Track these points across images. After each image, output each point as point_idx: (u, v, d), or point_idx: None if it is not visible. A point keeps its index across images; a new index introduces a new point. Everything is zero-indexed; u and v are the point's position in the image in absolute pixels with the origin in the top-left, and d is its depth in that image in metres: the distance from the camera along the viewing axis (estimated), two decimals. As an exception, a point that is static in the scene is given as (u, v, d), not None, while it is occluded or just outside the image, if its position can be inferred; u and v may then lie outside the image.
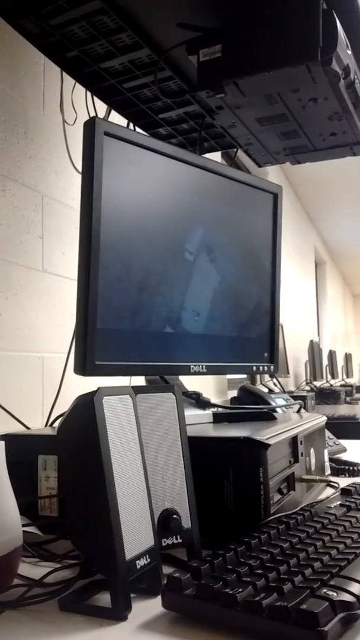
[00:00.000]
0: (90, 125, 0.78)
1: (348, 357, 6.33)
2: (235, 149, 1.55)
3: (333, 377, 5.05)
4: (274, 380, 2.86)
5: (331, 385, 4.60)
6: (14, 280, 1.32)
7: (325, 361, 4.94)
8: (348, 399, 4.21)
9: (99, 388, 0.53)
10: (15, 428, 1.09)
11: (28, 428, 1.05)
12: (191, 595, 0.48)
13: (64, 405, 1.10)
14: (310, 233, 5.77)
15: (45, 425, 1.14)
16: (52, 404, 1.19)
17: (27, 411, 1.30)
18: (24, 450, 0.80)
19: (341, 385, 4.81)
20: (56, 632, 0.48)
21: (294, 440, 0.83)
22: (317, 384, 4.24)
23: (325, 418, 1.06)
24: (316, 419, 0.99)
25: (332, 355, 5.13)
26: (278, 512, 0.71)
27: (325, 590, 0.47)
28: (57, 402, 1.22)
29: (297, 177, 4.48)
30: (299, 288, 4.96)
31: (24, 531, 0.68)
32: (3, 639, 0.47)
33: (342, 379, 5.73)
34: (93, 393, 0.53)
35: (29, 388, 1.35)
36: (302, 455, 0.86)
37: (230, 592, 0.46)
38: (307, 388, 3.97)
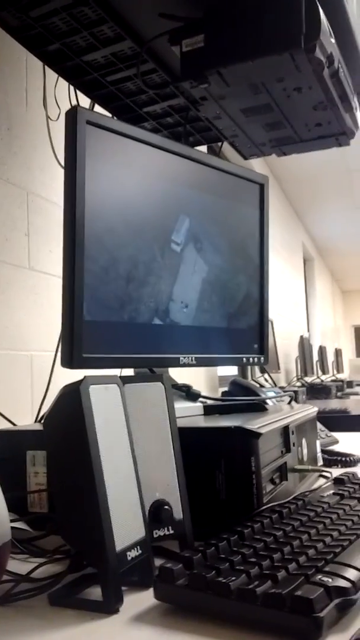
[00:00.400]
0: (72, 115, 0.77)
1: (338, 353, 6.35)
2: (220, 143, 1.54)
3: (324, 372, 5.06)
4: (265, 375, 2.85)
5: (322, 380, 4.61)
6: (1, 278, 1.30)
7: (315, 357, 4.95)
8: (339, 393, 4.22)
9: (85, 377, 0.52)
10: (4, 427, 1.08)
11: (15, 425, 1.04)
12: (183, 585, 0.47)
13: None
14: (298, 229, 5.78)
15: (35, 422, 1.13)
16: (41, 401, 1.18)
17: (17, 410, 1.29)
18: (12, 446, 0.78)
19: (332, 381, 4.83)
20: (47, 627, 0.47)
21: (285, 430, 0.83)
22: (308, 379, 4.24)
23: (316, 409, 1.05)
24: (307, 410, 0.99)
25: (322, 350, 5.15)
26: (271, 501, 0.70)
27: (320, 576, 0.46)
28: (46, 400, 1.20)
29: (283, 174, 4.48)
30: (288, 284, 4.97)
31: (12, 527, 0.66)
32: (-9, 635, 0.46)
33: (333, 374, 5.74)
34: (79, 382, 0.52)
35: (18, 387, 1.33)
36: (294, 446, 0.85)
37: (224, 580, 0.45)
38: (298, 384, 3.98)
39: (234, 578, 0.46)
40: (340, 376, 5.87)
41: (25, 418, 1.32)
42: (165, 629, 0.45)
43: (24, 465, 0.77)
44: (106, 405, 0.54)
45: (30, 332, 1.39)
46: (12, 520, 0.66)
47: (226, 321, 0.98)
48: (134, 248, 0.83)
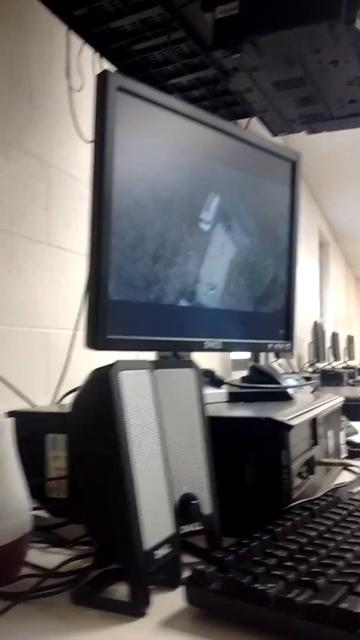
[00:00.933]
0: (103, 79, 0.72)
1: (350, 340, 6.28)
2: (247, 119, 1.48)
3: (336, 359, 5.01)
4: (279, 360, 2.82)
5: (334, 367, 4.56)
6: (18, 253, 1.26)
7: (328, 343, 4.89)
8: (351, 381, 4.18)
9: (116, 361, 0.48)
10: (20, 405, 1.05)
11: (34, 405, 1.01)
12: (217, 590, 0.44)
13: (71, 382, 1.06)
14: (315, 214, 5.69)
15: (53, 403, 1.10)
16: (59, 381, 1.15)
17: (33, 388, 1.26)
18: (31, 428, 0.75)
19: (344, 367, 4.78)
20: (69, 629, 0.44)
21: (313, 422, 0.79)
22: (320, 365, 4.20)
23: (342, 399, 1.01)
24: (333, 400, 0.95)
25: (335, 337, 5.09)
26: (299, 497, 0.67)
27: (365, 586, 0.43)
28: (64, 380, 1.17)
29: (303, 156, 4.39)
30: (302, 269, 4.90)
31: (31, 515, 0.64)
32: (10, 636, 0.43)
33: (345, 361, 5.69)
34: (109, 366, 0.48)
35: (34, 364, 1.30)
36: (321, 438, 0.81)
37: (261, 587, 0.42)
38: (310, 370, 3.94)
39: (271, 585, 0.43)
40: (351, 363, 5.81)
41: (41, 396, 1.29)
42: (196, 637, 0.42)
43: (42, 448, 0.74)
44: (136, 392, 0.50)
45: (47, 308, 1.36)
46: (32, 509, 0.63)
47: (253, 305, 0.94)
48: (162, 226, 0.79)
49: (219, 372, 0.92)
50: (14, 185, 1.25)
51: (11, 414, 0.76)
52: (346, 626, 0.39)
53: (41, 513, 0.66)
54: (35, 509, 0.65)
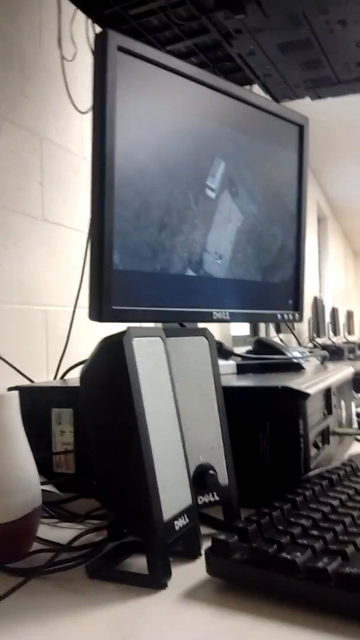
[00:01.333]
0: (102, 39, 0.68)
1: (350, 315, 6.28)
2: (249, 86, 1.44)
3: (335, 334, 5.00)
4: (279, 336, 2.80)
5: (334, 342, 4.56)
6: (13, 229, 1.23)
7: (327, 318, 4.88)
8: (351, 355, 4.18)
9: (128, 328, 0.46)
10: (19, 383, 1.03)
11: (32, 382, 0.99)
12: (241, 560, 0.42)
13: (71, 359, 1.04)
14: (314, 188, 5.63)
15: (55, 379, 1.08)
16: (60, 357, 1.13)
17: (31, 366, 1.24)
18: (36, 403, 0.73)
19: (344, 343, 4.78)
20: (88, 604, 0.42)
21: (327, 392, 0.77)
22: (320, 341, 4.19)
23: (352, 369, 0.99)
24: (345, 370, 0.93)
25: (334, 312, 5.08)
26: (315, 467, 0.65)
27: None
28: (65, 356, 1.15)
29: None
30: (301, 244, 4.86)
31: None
32: (26, 613, 0.41)
33: (344, 337, 5.69)
34: (122, 334, 0.46)
35: (32, 342, 1.28)
36: (335, 408, 0.80)
37: (289, 557, 0.40)
38: (310, 345, 3.93)
39: (298, 554, 0.41)
40: (351, 338, 5.81)
41: (40, 373, 1.27)
42: (221, 608, 0.40)
43: (48, 423, 0.72)
44: (150, 360, 0.48)
45: (44, 286, 1.33)
46: (41, 483, 0.61)
47: (261, 275, 0.91)
48: (168, 193, 0.76)
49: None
50: (7, 160, 1.22)
51: (15, 389, 0.74)
52: (380, 595, 0.37)
53: (50, 488, 0.64)
54: (43, 484, 0.63)
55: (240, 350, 1.29)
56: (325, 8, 0.94)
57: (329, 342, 4.29)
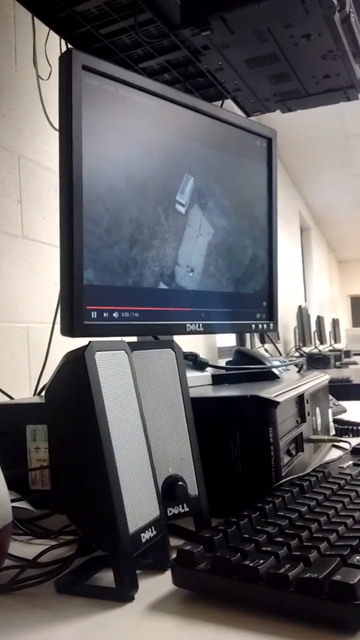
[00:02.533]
0: (67, 58, 0.70)
1: (335, 323, 6.31)
2: (221, 101, 1.46)
3: (321, 342, 5.03)
4: (265, 346, 2.81)
5: (320, 350, 4.58)
6: (-8, 246, 1.24)
7: (313, 327, 4.91)
8: (337, 363, 4.20)
9: (90, 342, 0.47)
10: (2, 401, 1.03)
11: (12, 398, 0.99)
12: (205, 570, 0.42)
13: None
14: (295, 198, 5.69)
15: (34, 395, 1.08)
16: (39, 374, 1.13)
17: (14, 384, 1.24)
18: (11, 421, 0.73)
19: (330, 350, 4.80)
20: (54, 619, 0.42)
21: (300, 399, 0.78)
22: (306, 349, 4.21)
23: (327, 376, 1.00)
24: (320, 378, 0.94)
25: (320, 321, 5.11)
26: (288, 474, 0.65)
27: (357, 557, 0.42)
28: (45, 372, 1.15)
29: (280, 140, 4.38)
30: (285, 254, 4.90)
31: (14, 507, 0.62)
32: (-7, 629, 0.41)
33: (330, 345, 5.72)
34: (83, 348, 0.46)
35: (14, 360, 1.28)
36: (308, 415, 0.80)
37: (251, 564, 0.41)
38: (297, 354, 3.95)
39: (261, 561, 0.41)
40: (337, 346, 5.84)
41: (23, 392, 1.27)
42: (186, 618, 0.41)
43: (23, 440, 0.72)
44: (114, 374, 0.48)
45: (25, 303, 1.33)
46: (13, 500, 0.61)
47: (233, 286, 0.92)
48: (138, 209, 0.77)
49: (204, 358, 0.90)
50: (-15, 177, 1.23)
51: (-12, 406, 0.74)
52: (341, 598, 0.37)
53: (25, 505, 0.65)
54: (16, 500, 0.63)
55: (224, 361, 1.29)
56: (288, 23, 0.96)
57: (315, 351, 4.31)
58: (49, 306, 1.39)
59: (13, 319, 1.30)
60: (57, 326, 1.18)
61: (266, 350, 2.79)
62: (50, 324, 1.21)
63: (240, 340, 3.03)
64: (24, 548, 0.57)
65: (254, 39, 1.01)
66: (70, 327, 0.68)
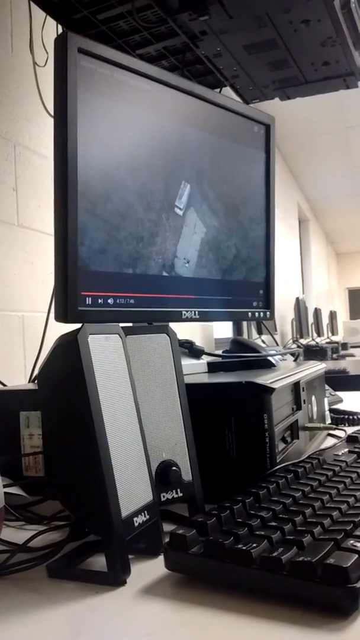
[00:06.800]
0: (62, 41, 0.68)
1: (333, 315, 6.31)
2: (219, 89, 1.45)
3: (319, 334, 5.03)
4: (262, 337, 2.81)
5: (317, 342, 4.58)
6: (-13, 234, 1.23)
7: (311, 319, 4.91)
8: (334, 355, 4.21)
9: (83, 325, 0.46)
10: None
11: (5, 386, 0.98)
12: (198, 553, 0.42)
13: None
14: (294, 190, 5.67)
15: (28, 382, 1.07)
16: (34, 361, 1.12)
17: (9, 372, 1.23)
18: (4, 408, 0.73)
19: (327, 343, 4.80)
20: (46, 602, 0.42)
21: (296, 387, 0.78)
22: (304, 341, 4.21)
23: (324, 365, 1.00)
24: (316, 366, 0.94)
25: (317, 313, 5.11)
26: (283, 461, 0.65)
27: (351, 541, 0.41)
28: (39, 360, 1.14)
29: (278, 131, 4.35)
30: (283, 246, 4.89)
31: (7, 493, 0.61)
32: (-16, 612, 0.41)
33: (328, 337, 5.72)
34: (76, 331, 0.46)
35: (9, 348, 1.28)
36: (304, 403, 0.80)
37: (244, 547, 0.40)
38: (294, 345, 3.95)
39: (254, 545, 0.41)
40: (334, 338, 5.84)
41: (18, 380, 1.26)
42: (178, 602, 0.40)
43: (17, 427, 0.71)
44: (107, 357, 0.48)
45: (21, 291, 1.33)
46: (5, 485, 0.61)
47: (230, 274, 0.92)
48: (143, 210, 0.77)
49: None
50: (-20, 164, 1.21)
51: (-19, 393, 0.73)
52: (334, 582, 0.37)
53: (18, 491, 0.64)
54: (8, 486, 0.63)
55: (221, 351, 1.29)
56: (287, 8, 0.95)
57: (312, 343, 4.31)
58: (44, 294, 1.38)
59: (8, 307, 1.29)
60: (52, 314, 1.18)
61: (263, 342, 2.79)
62: (46, 313, 1.21)
63: (238, 331, 3.03)
64: (16, 534, 0.57)
65: (252, 24, 1.00)
66: (65, 313, 0.67)
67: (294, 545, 0.41)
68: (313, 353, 3.63)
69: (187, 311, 0.83)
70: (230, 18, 0.97)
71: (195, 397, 0.61)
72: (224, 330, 3.02)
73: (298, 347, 3.75)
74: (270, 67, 1.14)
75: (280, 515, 0.47)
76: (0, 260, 1.26)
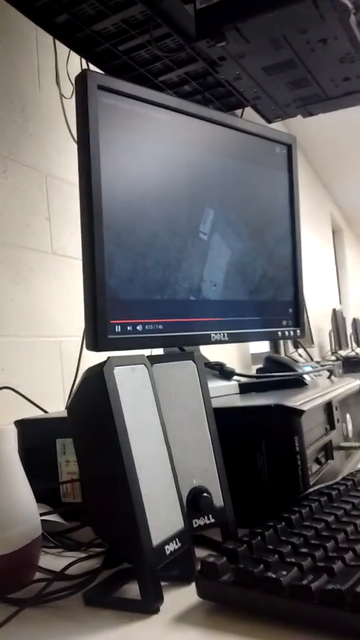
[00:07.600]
0: (82, 79, 0.71)
1: (373, 324, 6.19)
2: (241, 109, 1.47)
3: (358, 345, 4.95)
4: (299, 350, 2.78)
5: (357, 353, 4.50)
6: (23, 264, 1.27)
7: (349, 329, 4.83)
8: (376, 366, 4.12)
9: (108, 358, 0.47)
10: (35, 414, 1.05)
11: (46, 412, 1.01)
12: (229, 582, 0.43)
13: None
14: (325, 200, 5.63)
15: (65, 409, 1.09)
16: (71, 387, 1.15)
17: (49, 397, 1.26)
18: (41, 435, 0.75)
19: (368, 353, 4.71)
20: (82, 631, 0.43)
21: (328, 406, 0.77)
22: (343, 353, 4.15)
23: (359, 382, 0.99)
24: (350, 384, 0.93)
25: (356, 323, 5.03)
26: (317, 483, 0.65)
27: (382, 567, 0.41)
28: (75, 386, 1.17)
29: (308, 143, 4.34)
30: (316, 257, 4.85)
31: (45, 520, 0.63)
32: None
33: (368, 347, 5.61)
34: (102, 364, 0.47)
35: (48, 374, 1.31)
36: (338, 422, 0.80)
37: (274, 576, 0.41)
38: (333, 357, 3.89)
39: (284, 572, 0.41)
40: (375, 348, 5.72)
41: (58, 405, 1.29)
42: (209, 629, 0.41)
43: (54, 454, 0.73)
44: (133, 388, 0.49)
45: (57, 317, 1.36)
46: (44, 513, 0.63)
47: (258, 294, 0.92)
48: (168, 238, 0.79)
49: (237, 367, 0.90)
50: (14, 198, 1.26)
51: (20, 422, 0.76)
52: (363, 609, 0.37)
53: (56, 518, 0.66)
54: (47, 513, 0.64)
55: (257, 367, 1.29)
56: (303, 29, 0.96)
57: (352, 354, 4.24)
58: (79, 320, 1.41)
59: (45, 333, 1.32)
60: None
61: (300, 355, 2.76)
62: (81, 337, 1.23)
63: (275, 346, 3.01)
64: (54, 561, 0.58)
65: (269, 47, 1.01)
66: (95, 342, 0.69)
67: (324, 572, 0.41)
68: (353, 364, 3.57)
69: (216, 333, 0.85)
70: (247, 42, 0.99)
71: (226, 421, 0.61)
72: (260, 345, 3.01)
73: (337, 359, 3.69)
74: (290, 87, 1.15)
75: (312, 541, 0.48)
76: (37, 288, 1.29)
